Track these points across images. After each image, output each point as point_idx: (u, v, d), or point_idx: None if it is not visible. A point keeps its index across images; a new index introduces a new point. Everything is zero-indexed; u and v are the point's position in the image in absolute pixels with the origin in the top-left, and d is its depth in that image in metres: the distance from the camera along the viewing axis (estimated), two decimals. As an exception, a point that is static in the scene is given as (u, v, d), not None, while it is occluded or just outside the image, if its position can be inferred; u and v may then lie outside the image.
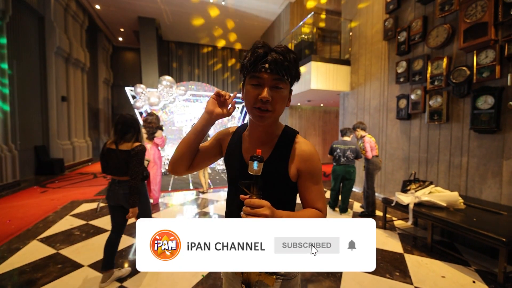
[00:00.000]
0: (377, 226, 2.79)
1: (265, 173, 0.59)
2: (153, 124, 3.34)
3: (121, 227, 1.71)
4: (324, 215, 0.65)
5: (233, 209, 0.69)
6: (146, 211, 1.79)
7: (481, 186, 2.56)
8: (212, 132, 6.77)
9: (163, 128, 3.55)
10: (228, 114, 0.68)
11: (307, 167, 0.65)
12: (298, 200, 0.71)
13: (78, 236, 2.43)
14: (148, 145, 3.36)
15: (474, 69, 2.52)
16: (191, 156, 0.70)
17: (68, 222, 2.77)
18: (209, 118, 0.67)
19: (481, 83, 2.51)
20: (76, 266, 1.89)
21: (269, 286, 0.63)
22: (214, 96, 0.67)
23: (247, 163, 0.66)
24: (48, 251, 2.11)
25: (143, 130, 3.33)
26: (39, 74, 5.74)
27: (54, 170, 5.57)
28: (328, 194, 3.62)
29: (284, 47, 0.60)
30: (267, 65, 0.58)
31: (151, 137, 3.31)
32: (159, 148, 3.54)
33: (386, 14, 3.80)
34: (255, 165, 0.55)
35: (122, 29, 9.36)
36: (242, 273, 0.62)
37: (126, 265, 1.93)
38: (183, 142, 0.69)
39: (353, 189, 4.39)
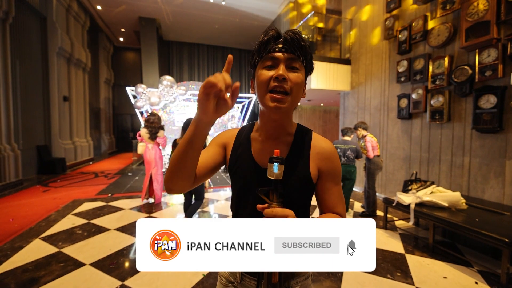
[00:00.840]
0: (378, 226, 2.78)
1: (284, 176, 0.52)
2: (155, 124, 3.35)
3: (190, 200, 2.57)
4: None
5: None
6: (202, 192, 2.59)
7: (483, 186, 2.55)
8: (212, 132, 6.78)
9: (164, 127, 3.55)
10: (231, 106, 0.48)
11: (329, 167, 0.59)
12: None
13: (80, 235, 2.44)
14: (149, 145, 3.37)
15: (476, 68, 2.50)
16: (191, 173, 0.55)
17: (70, 221, 2.78)
18: (207, 121, 0.47)
19: (483, 82, 2.50)
20: (78, 264, 1.90)
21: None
22: (205, 90, 0.44)
23: (261, 166, 0.59)
24: (51, 249, 2.12)
25: (145, 130, 3.33)
26: (41, 74, 5.77)
27: (56, 169, 5.61)
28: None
29: (298, 30, 0.55)
30: (281, 45, 0.53)
31: (153, 137, 3.32)
32: (160, 147, 3.55)
33: (387, 13, 3.79)
34: (275, 168, 0.47)
35: (123, 29, 9.39)
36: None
37: (127, 264, 1.94)
38: (177, 159, 0.52)
39: (354, 189, 4.38)
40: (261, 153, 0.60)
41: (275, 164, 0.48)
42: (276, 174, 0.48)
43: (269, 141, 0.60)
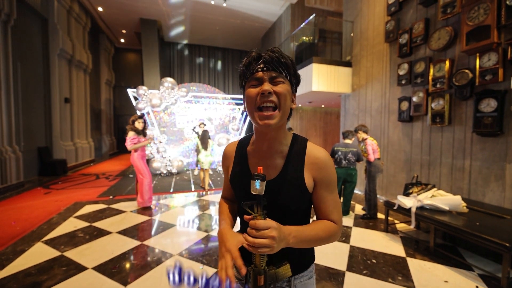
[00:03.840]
0: (379, 229, 2.79)
1: (281, 186, 0.58)
2: (128, 126, 3.26)
3: None
4: (339, 226, 0.62)
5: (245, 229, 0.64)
6: None
7: (484, 189, 2.55)
8: (213, 134, 6.79)
9: (137, 129, 3.27)
10: None
11: (323, 176, 0.61)
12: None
13: (82, 238, 2.45)
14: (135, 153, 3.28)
15: (477, 72, 2.51)
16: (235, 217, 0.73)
17: (71, 224, 2.79)
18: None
19: (484, 86, 2.51)
20: (81, 268, 1.91)
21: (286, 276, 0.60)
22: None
23: None
24: (53, 253, 2.13)
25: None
26: (42, 76, 5.79)
27: (57, 171, 5.62)
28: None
29: (278, 48, 0.59)
30: (262, 65, 0.56)
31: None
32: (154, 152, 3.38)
33: (388, 16, 3.80)
34: (257, 185, 0.52)
35: (124, 31, 9.42)
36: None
37: (128, 265, 1.95)
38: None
39: (355, 191, 4.38)
40: (257, 166, 0.64)
41: (257, 181, 0.51)
42: (258, 190, 0.51)
43: (265, 154, 0.63)
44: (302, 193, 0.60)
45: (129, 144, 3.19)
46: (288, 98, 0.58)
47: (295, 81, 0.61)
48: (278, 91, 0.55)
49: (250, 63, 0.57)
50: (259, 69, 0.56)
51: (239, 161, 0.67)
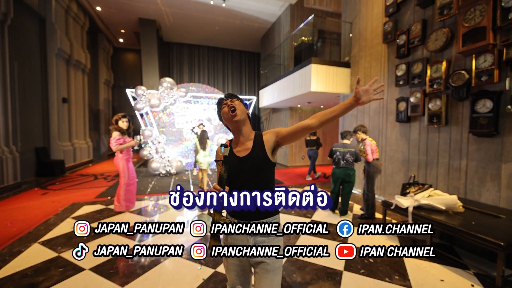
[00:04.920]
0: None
1: (252, 158, 0.97)
2: (111, 126, 3.12)
3: None
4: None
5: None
6: None
7: (480, 189, 2.58)
8: (212, 134, 6.78)
9: (122, 130, 3.13)
10: None
11: (277, 135, 1.01)
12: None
13: (79, 239, 2.44)
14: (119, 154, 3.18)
15: (473, 73, 2.54)
16: None
17: (69, 225, 2.78)
18: None
19: (480, 87, 2.53)
20: (78, 269, 1.90)
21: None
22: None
23: (239, 156, 1.00)
24: (50, 254, 2.12)
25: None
26: (40, 75, 5.76)
27: (54, 171, 5.59)
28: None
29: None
30: (225, 98, 1.07)
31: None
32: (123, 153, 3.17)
33: (386, 17, 3.82)
34: (222, 149, 1.01)
35: (122, 31, 9.39)
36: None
37: (127, 269, 1.94)
38: None
39: (353, 191, 4.40)
40: (238, 151, 1.03)
41: (223, 147, 1.01)
42: (223, 152, 1.00)
43: (241, 143, 1.04)
44: (266, 161, 0.98)
45: (114, 145, 3.02)
46: (241, 105, 1.03)
47: (247, 105, 1.01)
48: (234, 103, 1.02)
49: (220, 101, 1.07)
50: (224, 100, 1.05)
51: (228, 152, 1.06)
